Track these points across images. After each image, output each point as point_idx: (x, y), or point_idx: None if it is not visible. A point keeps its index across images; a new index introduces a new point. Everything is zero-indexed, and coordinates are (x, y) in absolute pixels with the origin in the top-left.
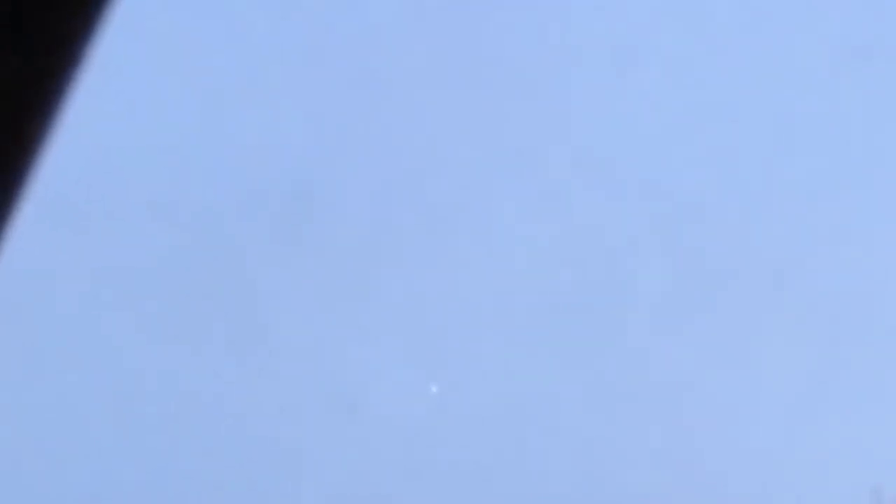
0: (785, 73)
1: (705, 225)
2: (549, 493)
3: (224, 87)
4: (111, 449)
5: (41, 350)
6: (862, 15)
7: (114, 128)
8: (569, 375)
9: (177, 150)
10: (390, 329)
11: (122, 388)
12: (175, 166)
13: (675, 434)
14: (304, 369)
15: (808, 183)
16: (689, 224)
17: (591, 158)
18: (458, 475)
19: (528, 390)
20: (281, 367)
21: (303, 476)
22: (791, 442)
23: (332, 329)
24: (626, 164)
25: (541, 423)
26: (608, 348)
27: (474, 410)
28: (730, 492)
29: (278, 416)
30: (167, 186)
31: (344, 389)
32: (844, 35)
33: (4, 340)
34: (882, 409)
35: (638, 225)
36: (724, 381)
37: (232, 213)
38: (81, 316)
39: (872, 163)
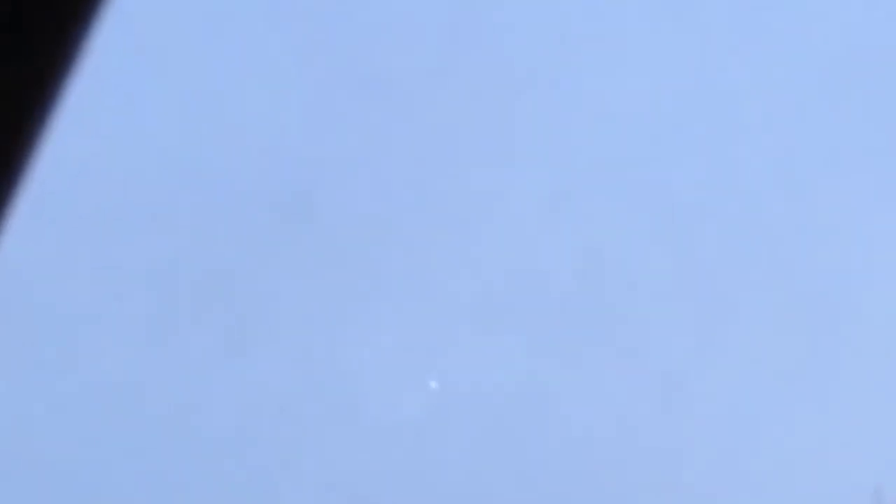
0: (784, 73)
1: (704, 224)
2: (550, 490)
3: (223, 87)
4: (108, 450)
5: (38, 351)
6: (861, 16)
7: (113, 128)
8: (569, 371)
9: (176, 149)
10: (390, 325)
11: (120, 389)
12: (174, 166)
13: (675, 432)
14: (303, 367)
15: (806, 182)
16: (688, 223)
17: (590, 157)
18: (457, 471)
19: (527, 386)
20: (279, 363)
21: (300, 472)
22: (791, 441)
23: (332, 325)
24: (626, 161)
25: (540, 418)
26: (608, 344)
27: (474, 406)
28: (729, 491)
29: (276, 412)
30: (166, 186)
31: (343, 385)
32: (845, 35)
33: (1, 341)
34: (883, 409)
35: (637, 222)
36: (724, 380)
37: (231, 213)
38: (79, 316)
39: (872, 162)
